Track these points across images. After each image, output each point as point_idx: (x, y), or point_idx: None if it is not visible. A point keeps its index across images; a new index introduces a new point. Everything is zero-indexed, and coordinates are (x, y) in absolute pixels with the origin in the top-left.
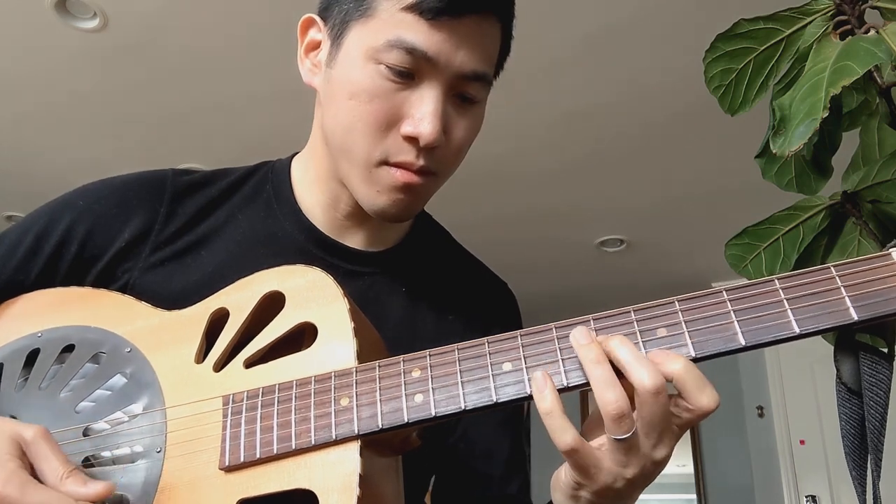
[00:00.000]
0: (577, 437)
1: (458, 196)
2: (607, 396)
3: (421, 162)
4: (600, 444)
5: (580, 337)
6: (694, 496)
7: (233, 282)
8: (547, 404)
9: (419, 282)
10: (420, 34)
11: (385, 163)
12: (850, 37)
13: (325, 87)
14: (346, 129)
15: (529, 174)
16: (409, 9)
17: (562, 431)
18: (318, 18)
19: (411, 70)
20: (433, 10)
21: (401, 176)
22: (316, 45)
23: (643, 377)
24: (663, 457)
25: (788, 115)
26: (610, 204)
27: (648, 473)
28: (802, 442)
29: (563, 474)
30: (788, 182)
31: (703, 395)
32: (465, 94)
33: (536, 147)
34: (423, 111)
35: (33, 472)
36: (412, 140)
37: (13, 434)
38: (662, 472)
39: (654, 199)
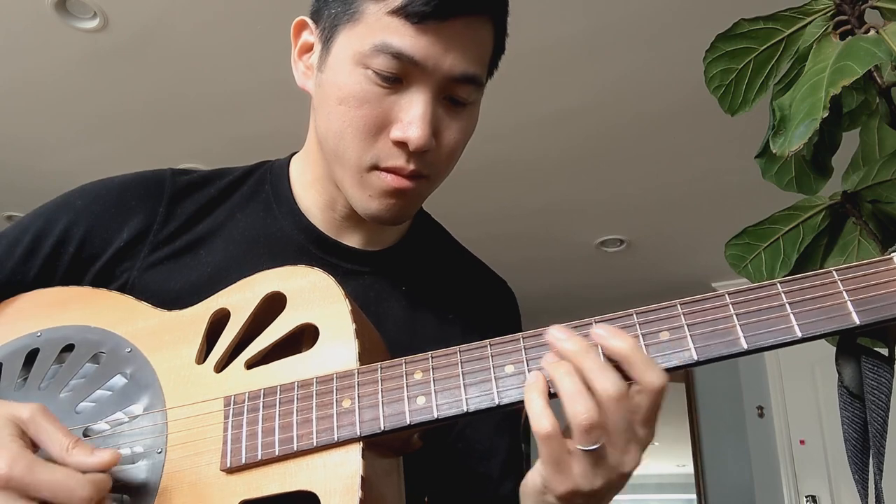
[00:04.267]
0: (555, 424)
1: (457, 194)
2: (577, 408)
3: (412, 166)
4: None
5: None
6: (694, 496)
7: (232, 281)
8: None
9: (418, 281)
10: (406, 39)
11: (376, 167)
12: (850, 37)
13: (317, 91)
14: (336, 135)
15: (528, 173)
16: (396, 13)
17: (540, 417)
18: (310, 21)
19: (399, 75)
20: (419, 14)
21: (392, 181)
22: (308, 48)
23: (606, 385)
24: (630, 469)
25: (788, 115)
26: (610, 203)
27: (614, 485)
28: (802, 442)
29: (532, 477)
30: (788, 182)
31: (650, 372)
32: (455, 97)
33: (536, 146)
34: (411, 115)
35: (36, 451)
36: (402, 145)
37: (9, 415)
38: (662, 472)
39: (655, 199)
